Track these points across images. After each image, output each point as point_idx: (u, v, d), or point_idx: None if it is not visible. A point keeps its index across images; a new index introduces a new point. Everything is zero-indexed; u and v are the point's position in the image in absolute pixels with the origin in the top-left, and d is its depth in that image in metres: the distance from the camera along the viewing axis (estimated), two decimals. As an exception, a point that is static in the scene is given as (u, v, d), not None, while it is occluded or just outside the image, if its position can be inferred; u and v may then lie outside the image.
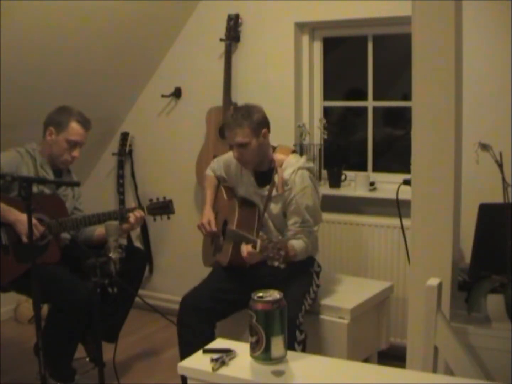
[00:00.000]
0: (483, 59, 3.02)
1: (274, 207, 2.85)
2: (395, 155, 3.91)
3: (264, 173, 2.89)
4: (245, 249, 2.70)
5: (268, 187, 2.86)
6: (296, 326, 2.68)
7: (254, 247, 2.61)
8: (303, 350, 2.68)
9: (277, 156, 2.88)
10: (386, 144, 3.90)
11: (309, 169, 2.87)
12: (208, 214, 3.05)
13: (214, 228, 2.99)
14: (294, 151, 2.96)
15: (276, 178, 2.82)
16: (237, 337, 2.67)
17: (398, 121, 3.92)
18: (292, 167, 2.82)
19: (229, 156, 3.02)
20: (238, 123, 2.75)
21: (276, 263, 2.48)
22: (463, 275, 2.28)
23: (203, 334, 2.75)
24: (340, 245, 3.52)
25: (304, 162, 2.87)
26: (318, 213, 2.91)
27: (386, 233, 3.40)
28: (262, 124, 2.81)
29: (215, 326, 2.87)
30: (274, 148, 2.93)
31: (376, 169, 3.71)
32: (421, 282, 1.95)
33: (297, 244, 2.74)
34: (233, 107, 2.90)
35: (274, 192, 2.83)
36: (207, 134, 3.82)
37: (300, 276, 2.85)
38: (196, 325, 2.79)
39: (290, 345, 2.57)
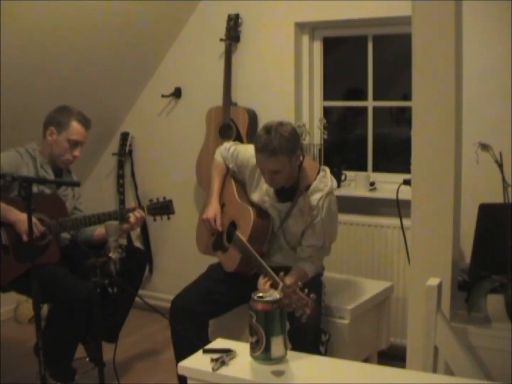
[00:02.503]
0: (483, 59, 3.02)
1: (293, 225, 2.75)
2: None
3: (287, 190, 2.74)
4: (263, 284, 2.57)
5: (288, 203, 2.74)
6: (321, 329, 2.69)
7: (272, 286, 2.49)
8: (326, 350, 2.70)
9: (304, 175, 2.73)
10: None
11: (333, 191, 2.78)
12: (215, 209, 2.91)
13: (219, 227, 2.89)
14: (319, 169, 2.79)
15: (301, 201, 2.70)
16: (236, 337, 2.67)
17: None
18: (320, 193, 2.70)
19: (247, 155, 2.86)
20: (272, 151, 2.53)
21: (295, 313, 2.28)
22: (463, 275, 2.28)
23: (195, 335, 2.70)
24: (340, 245, 3.51)
25: (331, 186, 2.74)
26: (335, 236, 2.90)
27: (386, 233, 3.40)
28: (296, 147, 2.63)
29: (207, 325, 2.85)
30: (300, 163, 2.74)
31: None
32: (421, 282, 1.95)
33: (309, 269, 2.73)
34: (265, 125, 2.63)
35: (295, 211, 2.72)
36: (207, 134, 3.82)
37: (309, 280, 2.79)
38: (187, 326, 2.75)
39: (315, 348, 2.60)
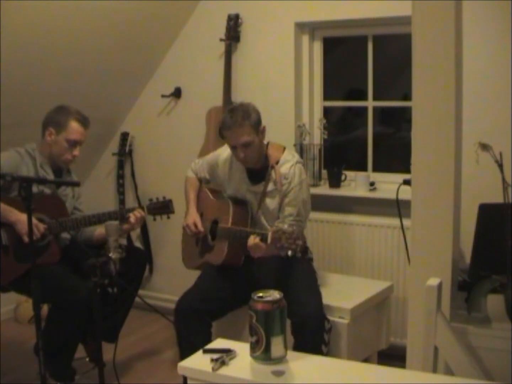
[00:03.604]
0: (483, 59, 3.02)
1: (271, 202, 2.88)
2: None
3: (257, 171, 2.91)
4: (252, 240, 2.68)
5: (262, 183, 2.88)
6: (324, 316, 2.73)
7: (262, 240, 2.61)
8: (329, 339, 2.73)
9: (271, 153, 2.92)
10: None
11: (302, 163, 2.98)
12: (193, 215, 3.05)
13: (201, 229, 2.99)
14: (284, 148, 3.00)
15: (273, 174, 2.86)
16: (236, 337, 2.67)
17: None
18: (290, 162, 2.89)
19: (214, 156, 3.07)
20: (239, 123, 2.77)
21: (290, 253, 2.44)
22: (463, 275, 2.28)
23: (200, 335, 2.78)
24: (340, 245, 3.52)
25: (299, 157, 2.98)
26: (309, 208, 2.98)
27: (386, 233, 3.40)
28: (260, 121, 2.86)
29: (211, 325, 2.89)
30: (266, 145, 2.96)
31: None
32: (421, 282, 1.95)
33: None
34: (228, 109, 2.92)
35: (270, 187, 2.86)
36: (207, 134, 3.82)
37: (300, 266, 2.86)
38: (191, 327, 2.81)
39: (319, 336, 2.67)
